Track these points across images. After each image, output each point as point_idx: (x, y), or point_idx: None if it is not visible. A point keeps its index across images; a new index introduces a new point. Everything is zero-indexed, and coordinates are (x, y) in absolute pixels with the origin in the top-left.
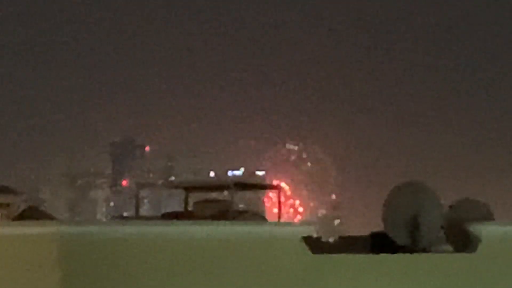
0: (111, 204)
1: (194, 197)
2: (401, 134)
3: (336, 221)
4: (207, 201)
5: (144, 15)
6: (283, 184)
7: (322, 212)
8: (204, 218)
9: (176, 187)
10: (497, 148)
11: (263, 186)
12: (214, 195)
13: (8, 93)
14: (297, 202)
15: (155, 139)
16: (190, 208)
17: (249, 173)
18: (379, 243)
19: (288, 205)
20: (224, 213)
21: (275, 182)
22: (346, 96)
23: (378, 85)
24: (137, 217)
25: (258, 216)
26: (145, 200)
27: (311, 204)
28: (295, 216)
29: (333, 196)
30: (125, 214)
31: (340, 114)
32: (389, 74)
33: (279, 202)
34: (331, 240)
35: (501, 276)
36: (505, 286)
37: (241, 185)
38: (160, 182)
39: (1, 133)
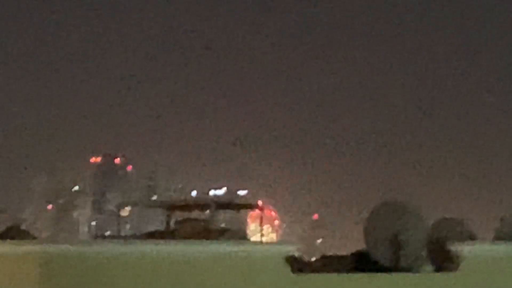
0: (93, 223)
1: (175, 216)
2: (383, 153)
3: (318, 240)
4: (188, 220)
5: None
6: (265, 204)
7: (304, 231)
8: (186, 237)
9: (158, 206)
10: (477, 167)
11: (245, 206)
12: (195, 214)
13: None
14: (279, 221)
15: (137, 158)
16: (171, 227)
17: (231, 192)
18: (362, 262)
19: (270, 225)
20: (206, 232)
21: (257, 202)
22: (328, 118)
23: (359, 105)
24: (119, 236)
25: (240, 236)
26: (127, 219)
27: (293, 224)
28: (277, 236)
29: (315, 216)
30: (107, 233)
31: (322, 134)
32: (371, 94)
33: (261, 222)
34: (313, 259)
35: None
36: None
37: (223, 204)
38: (141, 201)
39: None
